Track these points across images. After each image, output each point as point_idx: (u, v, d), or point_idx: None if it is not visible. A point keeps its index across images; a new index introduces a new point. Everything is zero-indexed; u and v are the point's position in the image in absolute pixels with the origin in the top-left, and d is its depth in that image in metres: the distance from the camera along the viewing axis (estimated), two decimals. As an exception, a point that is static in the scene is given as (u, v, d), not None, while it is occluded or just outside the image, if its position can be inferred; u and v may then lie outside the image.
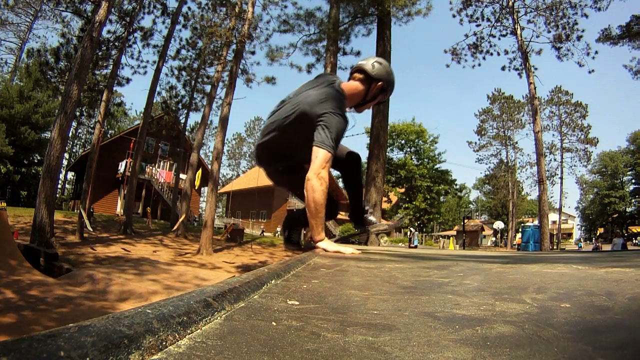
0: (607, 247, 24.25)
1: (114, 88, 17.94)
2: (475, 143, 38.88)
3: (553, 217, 35.36)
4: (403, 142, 32.51)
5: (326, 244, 1.86)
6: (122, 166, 24.36)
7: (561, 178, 34.73)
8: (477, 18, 18.78)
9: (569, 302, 0.70)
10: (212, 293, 0.61)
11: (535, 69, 17.86)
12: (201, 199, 34.74)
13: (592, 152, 35.41)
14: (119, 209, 23.60)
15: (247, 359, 0.41)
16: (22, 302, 4.47)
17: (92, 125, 33.54)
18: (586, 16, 16.94)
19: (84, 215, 12.28)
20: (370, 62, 2.03)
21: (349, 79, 2.09)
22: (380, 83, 2.03)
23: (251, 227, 31.46)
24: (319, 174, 1.75)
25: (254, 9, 14.14)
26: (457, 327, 0.54)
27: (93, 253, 9.87)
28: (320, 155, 1.76)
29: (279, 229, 31.03)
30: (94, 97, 17.45)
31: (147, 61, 20.01)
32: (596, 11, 16.70)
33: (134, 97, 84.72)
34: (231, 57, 15.43)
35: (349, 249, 1.87)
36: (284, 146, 2.06)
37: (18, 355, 0.29)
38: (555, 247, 25.86)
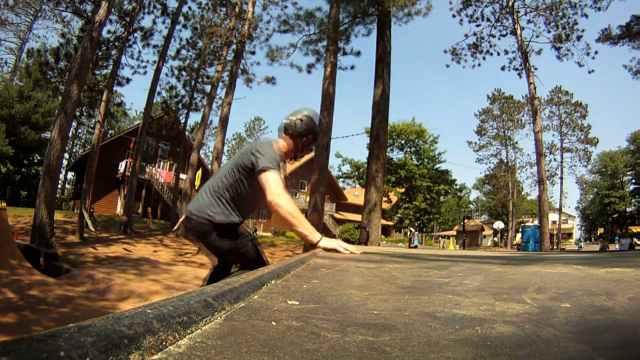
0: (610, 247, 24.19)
1: (114, 88, 17.94)
2: (475, 143, 38.91)
3: (553, 217, 35.34)
4: (403, 142, 32.47)
5: (326, 242, 1.89)
6: (122, 166, 24.36)
7: (561, 178, 34.73)
8: (477, 18, 18.78)
9: (569, 302, 0.70)
10: (212, 293, 0.61)
11: (535, 69, 17.87)
12: (201, 199, 34.68)
13: (592, 152, 35.44)
14: (119, 209, 23.60)
15: (247, 359, 0.41)
16: (22, 302, 4.47)
17: (92, 125, 33.51)
18: (586, 16, 16.95)
19: (86, 215, 12.28)
20: (294, 120, 2.14)
21: (280, 135, 2.22)
22: (308, 137, 2.17)
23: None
24: (276, 193, 1.86)
25: (254, 9, 14.16)
26: (457, 327, 0.54)
27: (93, 253, 9.87)
28: (268, 178, 1.87)
29: (273, 227, 31.00)
30: (94, 97, 17.44)
31: (147, 61, 20.03)
32: (596, 11, 16.71)
33: (134, 97, 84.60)
34: (231, 57, 15.44)
35: (350, 247, 1.87)
36: (240, 199, 2.10)
37: (18, 355, 0.29)
38: (555, 247, 25.86)
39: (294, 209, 1.87)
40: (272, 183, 1.86)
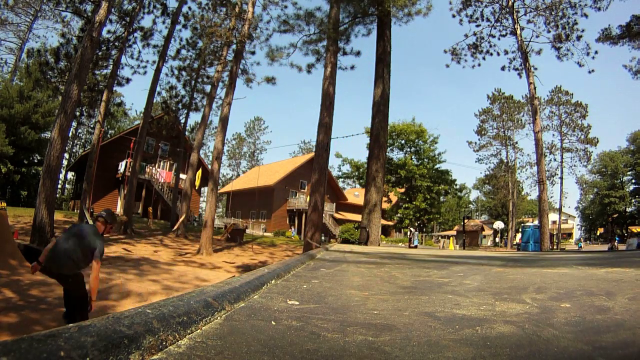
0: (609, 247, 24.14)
1: (114, 88, 17.93)
2: (475, 143, 38.88)
3: (553, 217, 35.31)
4: (403, 142, 32.42)
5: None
6: (122, 166, 24.35)
7: (561, 178, 34.70)
8: (477, 18, 18.77)
9: (569, 302, 0.69)
10: (212, 293, 0.61)
11: (535, 69, 17.86)
12: (201, 199, 34.72)
13: (592, 152, 35.38)
14: (119, 209, 23.59)
15: (247, 359, 0.41)
16: (22, 302, 4.47)
17: (92, 125, 33.50)
18: (586, 16, 16.94)
19: (87, 215, 12.27)
20: (108, 215, 3.95)
21: (96, 222, 3.95)
22: (113, 224, 4.04)
23: (251, 227, 31.46)
24: (97, 278, 3.58)
25: (254, 9, 14.14)
26: (457, 327, 0.54)
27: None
28: (97, 267, 3.58)
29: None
30: (94, 97, 17.44)
31: (147, 61, 20.01)
32: (596, 11, 16.70)
33: (134, 97, 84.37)
34: (231, 57, 15.43)
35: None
36: (76, 261, 3.68)
37: (18, 355, 0.29)
38: (555, 247, 25.85)
39: (97, 283, 3.63)
40: (97, 271, 3.58)
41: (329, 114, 11.69)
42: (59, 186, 31.96)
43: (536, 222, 20.81)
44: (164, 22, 18.09)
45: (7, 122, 25.67)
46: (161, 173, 26.00)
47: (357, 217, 28.19)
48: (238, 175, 53.29)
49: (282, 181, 33.55)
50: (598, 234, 46.99)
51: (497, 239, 38.74)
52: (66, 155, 34.05)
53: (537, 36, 18.09)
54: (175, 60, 19.56)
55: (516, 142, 37.54)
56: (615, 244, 23.43)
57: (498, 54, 19.15)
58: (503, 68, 19.32)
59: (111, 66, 16.68)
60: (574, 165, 35.60)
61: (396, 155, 32.73)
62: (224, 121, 13.51)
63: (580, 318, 0.59)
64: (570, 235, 50.18)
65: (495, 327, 0.54)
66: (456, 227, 45.21)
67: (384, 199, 28.43)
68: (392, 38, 13.90)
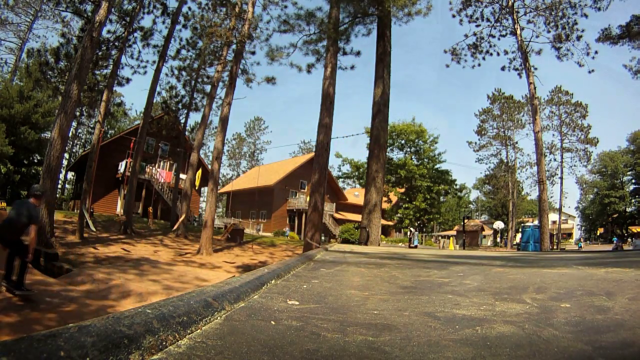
0: (609, 247, 24.19)
1: (114, 88, 17.92)
2: (475, 143, 38.86)
3: (553, 217, 35.29)
4: (403, 142, 32.40)
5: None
6: (122, 166, 24.34)
7: (561, 178, 34.69)
8: (477, 18, 18.77)
9: (569, 302, 0.69)
10: (212, 293, 0.61)
11: (535, 69, 17.86)
12: (201, 199, 34.70)
13: (592, 152, 35.35)
14: (119, 209, 23.59)
15: (247, 359, 0.41)
16: (22, 302, 4.47)
17: (92, 125, 33.50)
18: (586, 16, 16.93)
19: (87, 215, 12.26)
20: (38, 190, 5.15)
21: (31, 198, 5.06)
22: (44, 196, 5.54)
23: (251, 227, 31.46)
24: (34, 238, 4.73)
25: (254, 9, 14.14)
26: (457, 327, 0.54)
27: (93, 253, 9.86)
28: (34, 228, 4.77)
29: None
30: (94, 97, 17.43)
31: (147, 61, 19.96)
32: (596, 11, 16.69)
33: (134, 97, 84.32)
34: (231, 57, 15.43)
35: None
36: (19, 227, 4.81)
37: (18, 355, 0.29)
38: (555, 247, 25.84)
39: (34, 243, 4.76)
40: (34, 231, 4.76)
41: (329, 114, 11.69)
42: (59, 186, 31.97)
43: (536, 222, 20.81)
44: (164, 22, 18.09)
45: (7, 122, 25.67)
46: (161, 173, 25.99)
47: (357, 217, 28.19)
48: (238, 175, 53.29)
49: (282, 181, 33.55)
50: (598, 234, 46.94)
51: (497, 239, 38.73)
52: (66, 155, 34.04)
53: (537, 36, 18.09)
54: (175, 60, 19.58)
55: (516, 142, 37.55)
56: (620, 243, 23.39)
57: (498, 54, 19.15)
58: (503, 68, 19.33)
59: (111, 66, 16.66)
60: (574, 165, 35.61)
61: (396, 155, 32.73)
62: (224, 121, 13.51)
63: (580, 318, 0.59)
64: (570, 235, 50.14)
65: (495, 327, 0.54)
66: (456, 227, 45.18)
67: (384, 199, 28.41)
68: (393, 38, 13.90)
